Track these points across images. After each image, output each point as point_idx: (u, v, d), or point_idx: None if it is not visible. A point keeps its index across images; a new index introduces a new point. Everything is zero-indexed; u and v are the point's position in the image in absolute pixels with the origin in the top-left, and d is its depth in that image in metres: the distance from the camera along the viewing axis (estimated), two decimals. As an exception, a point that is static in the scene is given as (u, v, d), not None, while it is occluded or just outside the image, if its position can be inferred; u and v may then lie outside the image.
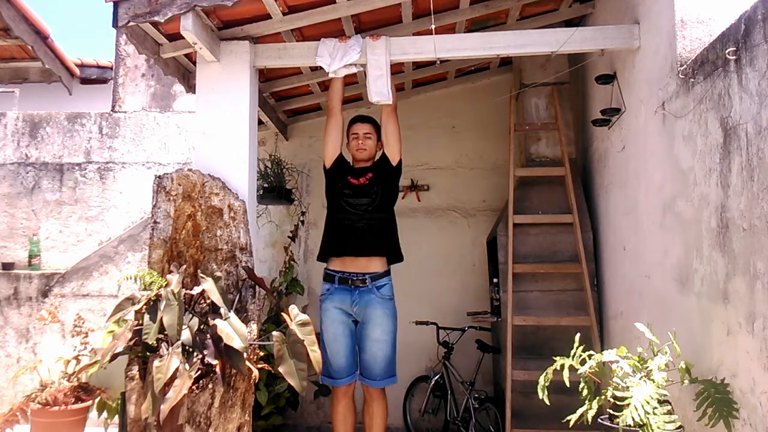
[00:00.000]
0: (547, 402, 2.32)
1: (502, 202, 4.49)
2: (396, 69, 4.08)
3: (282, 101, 4.58)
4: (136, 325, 2.54)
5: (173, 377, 2.30)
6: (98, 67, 6.71)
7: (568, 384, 2.28)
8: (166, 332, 2.39)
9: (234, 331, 2.44)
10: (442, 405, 4.26)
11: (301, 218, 4.92)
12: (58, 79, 5.04)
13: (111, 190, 5.23)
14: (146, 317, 2.45)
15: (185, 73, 3.55)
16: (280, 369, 2.45)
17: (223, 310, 2.54)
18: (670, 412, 2.06)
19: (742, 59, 2.00)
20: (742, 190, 2.00)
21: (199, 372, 2.43)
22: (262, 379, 3.34)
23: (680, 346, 2.21)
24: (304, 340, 2.49)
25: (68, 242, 5.16)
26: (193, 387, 2.45)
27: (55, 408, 3.74)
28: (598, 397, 2.19)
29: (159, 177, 2.88)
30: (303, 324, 2.53)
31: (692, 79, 2.40)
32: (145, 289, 2.59)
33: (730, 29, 2.11)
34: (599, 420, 2.21)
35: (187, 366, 2.35)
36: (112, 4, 2.80)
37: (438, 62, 3.35)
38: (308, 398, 4.51)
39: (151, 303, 2.50)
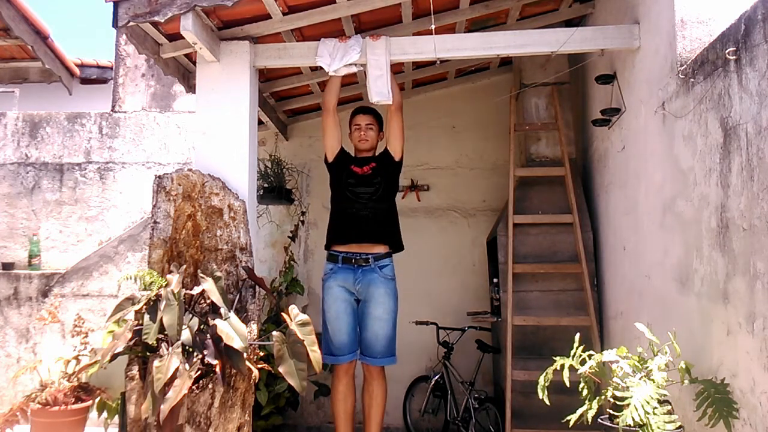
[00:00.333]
0: (547, 402, 2.32)
1: (502, 202, 4.49)
2: (396, 69, 4.08)
3: (282, 101, 4.58)
4: (136, 325, 2.54)
5: (173, 377, 2.31)
6: (98, 67, 6.71)
7: (568, 384, 2.28)
8: (166, 332, 2.39)
9: (234, 331, 2.44)
10: (442, 405, 4.26)
11: (301, 218, 4.92)
12: (58, 79, 5.04)
13: (111, 190, 5.23)
14: (146, 317, 2.45)
15: (185, 73, 3.55)
16: (280, 369, 2.45)
17: (223, 310, 2.54)
18: (670, 412, 2.06)
19: (742, 59, 2.00)
20: (742, 190, 2.00)
21: (199, 372, 2.43)
22: (262, 379, 3.34)
23: (680, 346, 2.21)
24: (304, 340, 2.49)
25: (68, 242, 5.15)
26: (193, 387, 2.45)
27: (55, 408, 3.74)
28: (598, 397, 2.19)
29: (159, 177, 2.88)
30: (303, 324, 2.53)
31: (692, 79, 2.40)
32: (145, 289, 2.59)
33: (730, 29, 2.11)
34: (599, 420, 2.21)
35: (187, 366, 2.35)
36: (112, 4, 2.80)
37: (438, 62, 3.35)
38: (308, 398, 4.50)
39: (151, 303, 2.50)
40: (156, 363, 2.33)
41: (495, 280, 4.18)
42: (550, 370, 2.36)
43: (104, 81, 6.67)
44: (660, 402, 2.03)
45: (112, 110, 5.45)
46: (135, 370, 2.54)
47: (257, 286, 2.86)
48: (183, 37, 2.87)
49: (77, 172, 5.26)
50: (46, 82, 5.32)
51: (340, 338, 3.24)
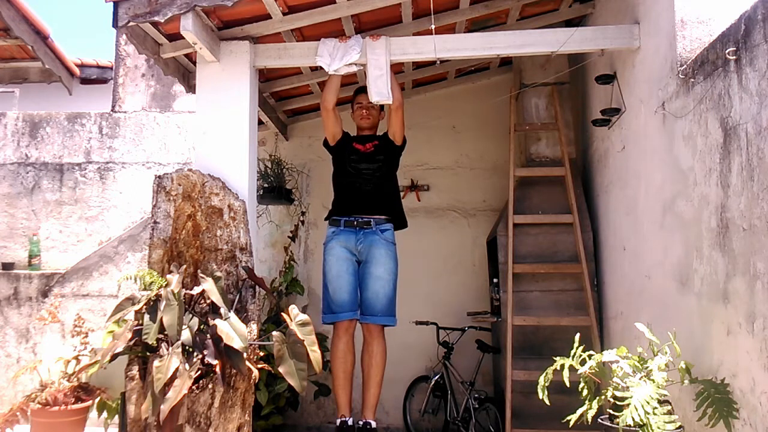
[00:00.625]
0: (547, 402, 2.32)
1: (502, 202, 4.49)
2: (396, 69, 4.08)
3: (282, 101, 4.58)
4: (136, 325, 2.54)
5: (173, 377, 2.30)
6: (98, 67, 6.71)
7: (568, 384, 2.28)
8: (166, 332, 2.39)
9: (234, 331, 2.44)
10: (442, 405, 4.26)
11: (301, 218, 4.92)
12: (58, 79, 5.03)
13: (111, 190, 5.23)
14: (146, 317, 2.45)
15: (185, 73, 3.55)
16: (280, 369, 2.45)
17: (223, 310, 2.54)
18: (670, 412, 2.06)
19: (742, 59, 2.00)
20: (742, 190, 2.00)
21: (199, 372, 2.43)
22: (262, 379, 3.34)
23: (680, 346, 2.21)
24: (304, 340, 2.49)
25: (68, 242, 5.15)
26: (193, 387, 2.45)
27: (55, 408, 3.74)
28: (598, 397, 2.19)
29: (159, 177, 2.88)
30: (303, 324, 2.53)
31: (692, 79, 2.40)
32: (145, 289, 2.59)
33: (730, 29, 2.11)
34: (599, 420, 2.21)
35: (187, 366, 2.35)
36: (112, 4, 2.80)
37: (438, 62, 3.35)
38: (308, 398, 4.50)
39: (151, 303, 2.50)
40: (156, 363, 2.33)
41: (495, 280, 4.18)
42: (550, 370, 2.36)
43: (104, 81, 6.67)
44: (660, 402, 2.03)
45: (112, 110, 5.45)
46: (135, 370, 2.54)
47: (257, 286, 2.86)
48: (183, 37, 2.87)
49: (77, 172, 5.26)
50: (46, 82, 5.31)
51: (340, 296, 3.26)
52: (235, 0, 2.73)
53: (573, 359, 2.33)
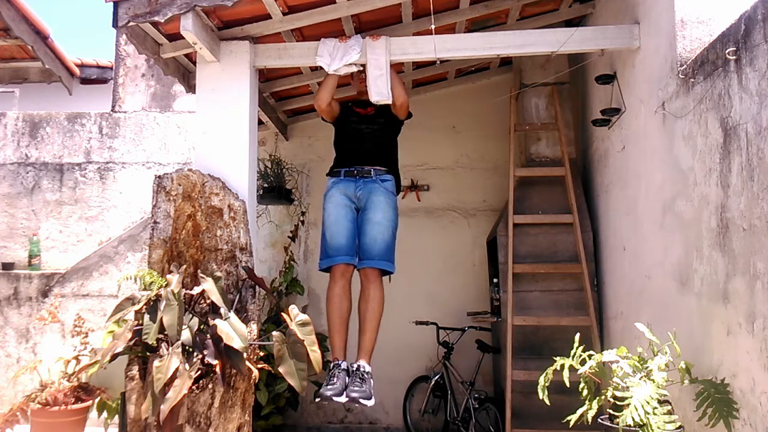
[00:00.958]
0: (547, 402, 2.32)
1: (502, 202, 4.49)
2: (396, 69, 4.06)
3: (282, 101, 4.58)
4: (136, 325, 2.54)
5: (173, 377, 2.30)
6: (98, 67, 6.70)
7: (568, 384, 2.28)
8: (166, 332, 2.39)
9: (234, 331, 2.44)
10: (442, 405, 4.26)
11: (301, 218, 4.92)
12: (58, 79, 5.03)
13: (111, 190, 5.23)
14: (146, 317, 2.45)
15: (185, 73, 3.55)
16: (280, 369, 2.45)
17: (223, 310, 2.54)
18: (670, 412, 2.06)
19: (742, 59, 2.00)
20: (742, 190, 2.00)
21: (199, 372, 2.43)
22: (262, 379, 3.33)
23: (680, 346, 2.21)
24: (304, 340, 2.49)
25: (68, 242, 5.15)
26: (193, 387, 2.45)
27: (55, 408, 3.74)
28: (598, 397, 2.19)
29: (159, 177, 2.88)
30: (303, 324, 2.53)
31: (692, 79, 2.40)
32: (145, 289, 2.59)
33: (730, 29, 2.11)
34: (599, 420, 2.21)
35: (187, 366, 2.35)
36: (112, 4, 2.80)
37: (438, 62, 3.35)
38: (308, 398, 4.50)
39: (151, 303, 2.50)
40: (156, 363, 2.33)
41: (495, 280, 4.18)
42: (550, 370, 2.36)
43: (104, 81, 6.67)
44: (660, 402, 2.03)
45: (112, 110, 5.45)
46: (135, 370, 2.54)
47: (257, 286, 2.86)
48: (183, 37, 2.87)
49: (77, 172, 5.26)
50: (46, 82, 5.31)
51: (337, 240, 3.22)
52: (235, 0, 2.73)
53: (573, 359, 2.33)
